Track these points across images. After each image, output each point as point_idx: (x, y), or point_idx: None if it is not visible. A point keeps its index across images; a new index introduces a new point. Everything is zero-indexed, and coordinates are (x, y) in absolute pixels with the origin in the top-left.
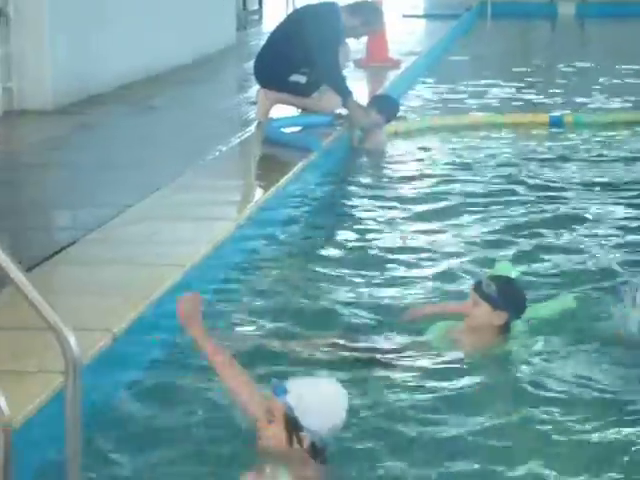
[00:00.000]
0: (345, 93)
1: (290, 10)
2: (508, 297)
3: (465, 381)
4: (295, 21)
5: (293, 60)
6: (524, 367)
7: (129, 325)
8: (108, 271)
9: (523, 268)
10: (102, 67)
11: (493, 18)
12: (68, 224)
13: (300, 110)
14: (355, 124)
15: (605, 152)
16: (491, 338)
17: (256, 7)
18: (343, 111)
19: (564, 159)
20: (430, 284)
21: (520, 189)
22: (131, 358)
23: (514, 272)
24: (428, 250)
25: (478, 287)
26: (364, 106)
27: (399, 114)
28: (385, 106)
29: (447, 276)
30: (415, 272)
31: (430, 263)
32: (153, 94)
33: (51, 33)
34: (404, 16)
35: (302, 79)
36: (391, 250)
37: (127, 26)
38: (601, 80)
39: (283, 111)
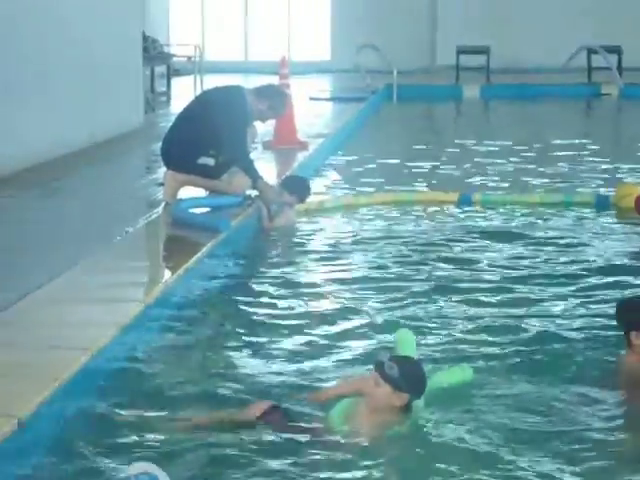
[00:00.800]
0: (255, 175)
1: (198, 92)
2: (410, 379)
3: (362, 461)
4: (202, 103)
5: (201, 142)
6: (423, 443)
7: (35, 409)
8: (14, 354)
9: (422, 336)
10: (7, 147)
11: (399, 100)
12: None
13: (208, 191)
14: (267, 204)
15: (510, 230)
16: (391, 417)
17: (164, 89)
18: (253, 192)
19: (471, 236)
20: (336, 357)
21: (427, 263)
22: (36, 443)
23: (413, 340)
24: (334, 322)
25: (380, 368)
26: (274, 186)
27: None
28: (297, 187)
29: (352, 349)
30: (322, 343)
31: (337, 335)
32: (59, 176)
33: None
34: (311, 99)
35: (210, 161)
36: (300, 325)
37: (33, 106)
38: (506, 159)
39: (191, 192)
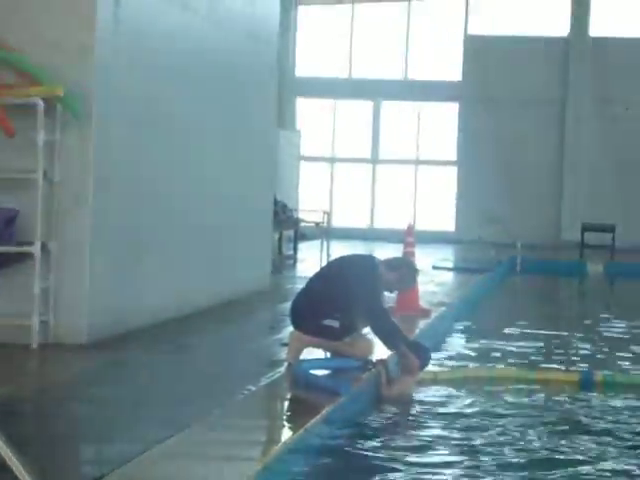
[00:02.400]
0: (398, 343)
1: (324, 256)
2: None
3: None
4: (335, 267)
5: (329, 304)
6: None
7: None
8: None
9: None
10: (138, 303)
11: (522, 273)
12: (96, 458)
13: (329, 354)
14: (409, 371)
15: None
16: None
17: (291, 252)
18: (374, 357)
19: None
20: None
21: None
22: None
23: None
24: None
25: None
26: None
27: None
28: (420, 352)
29: None
30: None
31: None
32: (186, 332)
33: (91, 269)
34: (434, 267)
35: (335, 324)
36: None
37: (163, 265)
38: (629, 340)
39: (313, 354)
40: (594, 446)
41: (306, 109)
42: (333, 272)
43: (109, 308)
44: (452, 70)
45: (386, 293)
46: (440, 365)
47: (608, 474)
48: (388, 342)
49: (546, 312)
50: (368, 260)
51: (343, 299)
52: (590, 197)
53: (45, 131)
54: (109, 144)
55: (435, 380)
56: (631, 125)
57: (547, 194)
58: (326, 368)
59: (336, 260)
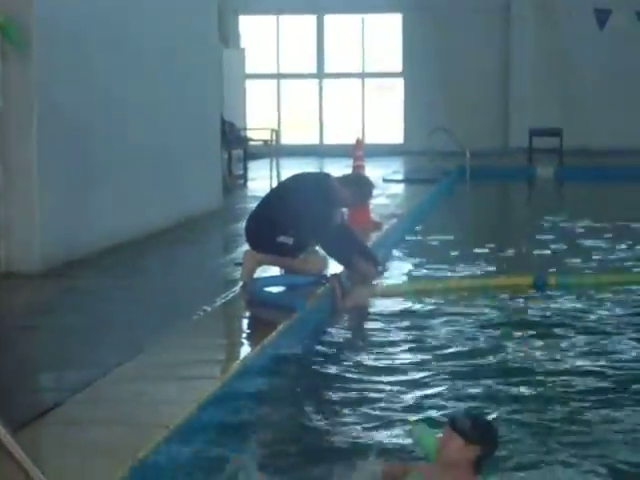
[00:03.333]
0: (348, 259)
1: (274, 175)
2: (481, 430)
3: None
4: (289, 185)
5: (282, 222)
6: None
7: None
8: (94, 431)
9: None
10: (90, 230)
11: (472, 182)
12: (55, 385)
13: (284, 270)
14: (362, 282)
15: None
16: (465, 477)
17: (241, 172)
18: (328, 272)
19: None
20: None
21: (495, 347)
22: None
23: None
24: (402, 401)
25: (453, 423)
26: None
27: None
28: (374, 262)
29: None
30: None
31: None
32: (139, 255)
33: (40, 197)
34: (384, 180)
35: (289, 240)
36: (370, 401)
37: (115, 189)
38: (581, 241)
39: (267, 271)
40: (548, 343)
41: (249, 27)
42: (287, 190)
43: (61, 235)
44: None
45: (344, 209)
46: (393, 278)
47: (563, 374)
48: (340, 260)
49: (496, 218)
50: (321, 177)
51: (296, 216)
52: (536, 102)
53: None
54: (52, 70)
55: (392, 292)
56: (574, 29)
57: (494, 101)
58: (281, 285)
59: (290, 178)
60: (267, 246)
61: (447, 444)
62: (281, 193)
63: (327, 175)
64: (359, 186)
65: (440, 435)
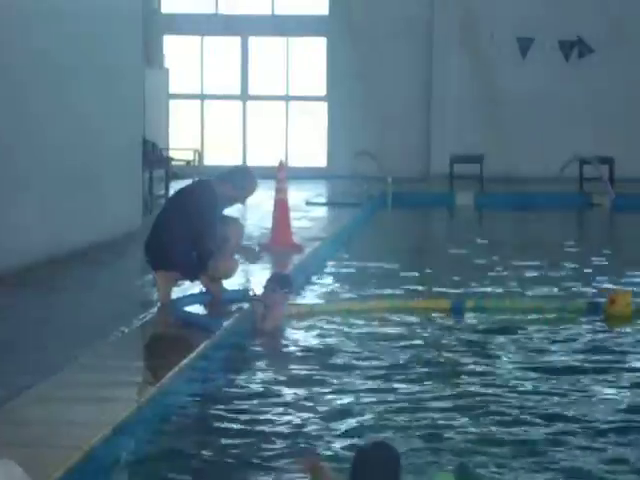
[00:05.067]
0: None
1: None
2: None
3: None
4: (175, 201)
5: (179, 238)
6: None
7: None
8: (6, 453)
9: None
10: (5, 246)
11: (394, 207)
12: None
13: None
14: (226, 275)
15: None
16: None
17: (162, 192)
18: (251, 291)
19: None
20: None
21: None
22: None
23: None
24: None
25: None
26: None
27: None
28: (285, 281)
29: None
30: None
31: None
32: (57, 275)
33: None
34: (307, 203)
35: (193, 254)
36: (284, 423)
37: (32, 205)
38: (499, 269)
39: (189, 289)
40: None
41: (173, 47)
42: (174, 206)
43: None
44: (319, 4)
45: (239, 206)
46: (313, 299)
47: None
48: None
49: (415, 244)
50: (201, 184)
51: (189, 229)
52: (458, 129)
53: None
54: None
55: (311, 313)
56: (497, 56)
57: (416, 127)
58: (201, 303)
59: (175, 193)
60: (173, 264)
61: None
62: (169, 210)
63: (207, 180)
64: (237, 177)
65: None
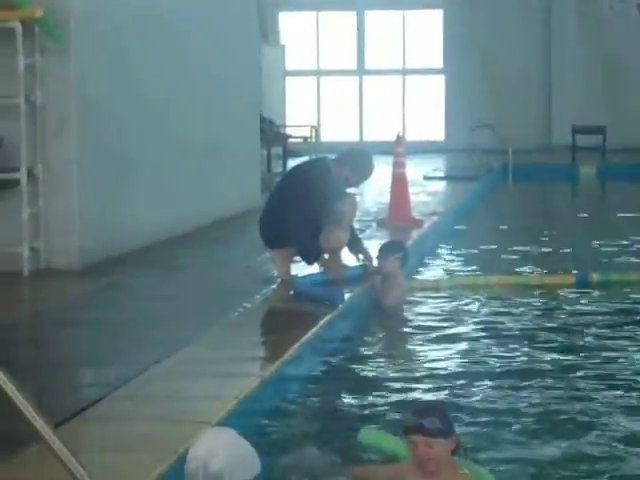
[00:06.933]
0: (310, 257)
1: None
2: (448, 419)
3: None
4: (289, 179)
5: (292, 216)
6: None
7: None
8: (134, 427)
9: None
10: (129, 226)
11: (515, 180)
12: (95, 381)
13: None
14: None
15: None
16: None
17: (280, 169)
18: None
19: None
20: None
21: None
22: None
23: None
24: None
25: (421, 430)
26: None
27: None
28: (396, 248)
29: None
30: None
31: None
32: (179, 253)
33: (79, 193)
34: (425, 178)
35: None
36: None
37: (153, 186)
38: (624, 241)
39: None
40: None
41: (289, 23)
42: (287, 184)
43: (100, 232)
44: None
45: (353, 189)
46: (434, 274)
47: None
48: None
49: (539, 217)
50: (317, 162)
51: (304, 208)
52: (579, 99)
53: (24, 55)
54: (90, 65)
55: (437, 288)
56: (617, 24)
57: (536, 98)
58: (323, 282)
59: (289, 171)
60: (284, 242)
61: (430, 452)
62: (282, 189)
63: (323, 159)
64: (355, 159)
65: (411, 445)
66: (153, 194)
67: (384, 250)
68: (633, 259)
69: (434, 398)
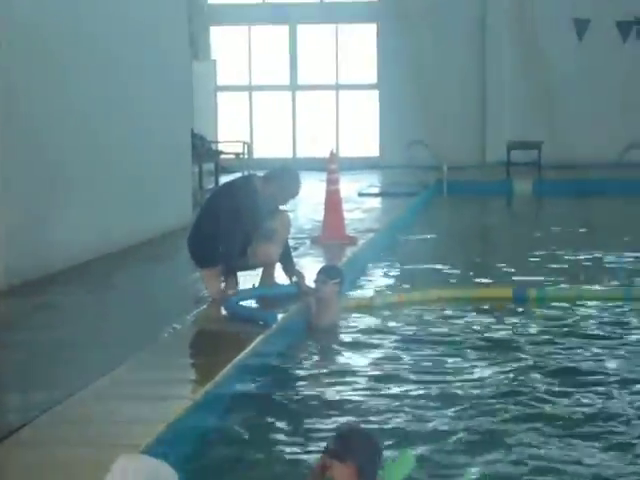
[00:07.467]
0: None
1: None
2: (349, 445)
3: None
4: (215, 199)
5: (221, 235)
6: None
7: None
8: (62, 452)
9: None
10: (58, 244)
11: (450, 195)
12: (22, 405)
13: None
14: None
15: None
16: None
17: (212, 186)
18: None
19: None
20: None
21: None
22: None
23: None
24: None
25: (325, 448)
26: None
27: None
28: (336, 272)
29: None
30: None
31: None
32: (109, 272)
33: (3, 209)
34: (360, 194)
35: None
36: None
37: (81, 204)
38: (560, 256)
39: (242, 284)
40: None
41: (220, 38)
42: (214, 204)
43: (27, 251)
44: None
45: (281, 207)
46: (369, 292)
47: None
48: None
49: (474, 233)
50: (245, 182)
51: (230, 227)
52: (514, 115)
53: None
54: (15, 82)
55: (370, 306)
56: (552, 40)
57: (471, 114)
58: (256, 298)
59: (215, 191)
60: (216, 260)
61: (327, 471)
62: (210, 208)
63: (249, 177)
64: (282, 177)
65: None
66: (84, 212)
67: (323, 274)
68: (562, 274)
69: (361, 422)
